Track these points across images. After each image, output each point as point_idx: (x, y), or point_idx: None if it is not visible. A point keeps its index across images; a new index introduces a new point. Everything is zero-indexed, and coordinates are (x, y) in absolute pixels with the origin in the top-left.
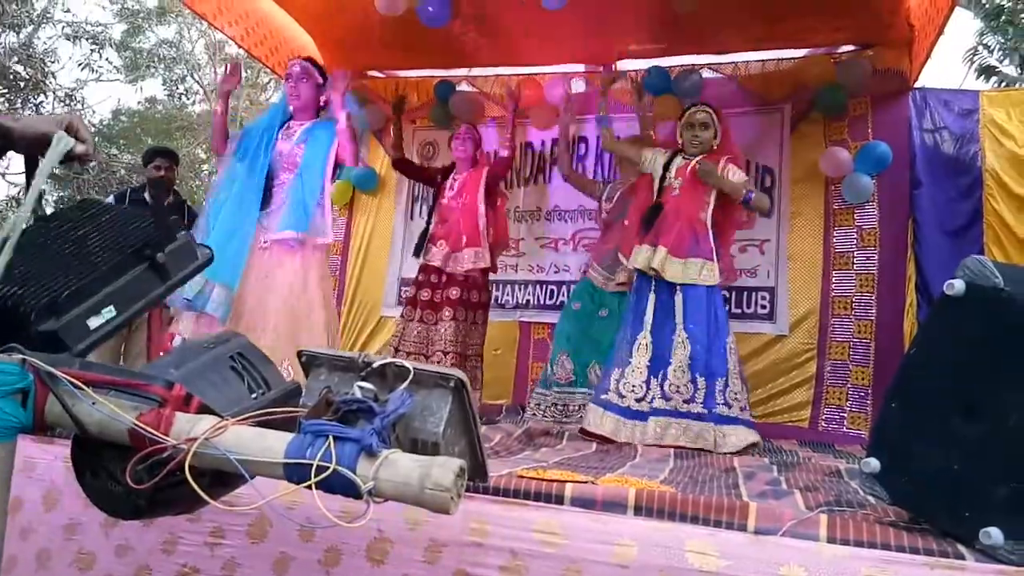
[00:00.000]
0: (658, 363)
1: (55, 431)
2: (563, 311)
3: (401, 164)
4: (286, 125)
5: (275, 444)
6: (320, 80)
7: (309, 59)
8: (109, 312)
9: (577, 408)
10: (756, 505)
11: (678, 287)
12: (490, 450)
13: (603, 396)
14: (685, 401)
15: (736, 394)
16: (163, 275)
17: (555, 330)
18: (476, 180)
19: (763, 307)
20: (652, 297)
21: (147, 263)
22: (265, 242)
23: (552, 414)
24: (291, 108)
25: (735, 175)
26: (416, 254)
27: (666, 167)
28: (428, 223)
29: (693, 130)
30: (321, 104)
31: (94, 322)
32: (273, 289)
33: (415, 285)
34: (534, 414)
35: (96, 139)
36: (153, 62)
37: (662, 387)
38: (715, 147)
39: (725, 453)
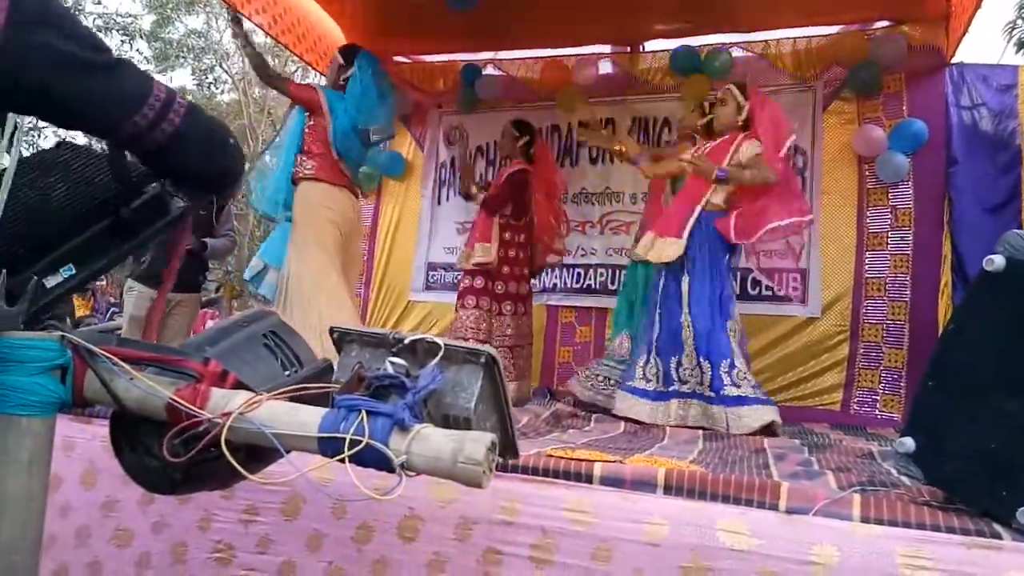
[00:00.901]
0: (674, 346)
1: (93, 407)
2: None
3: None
4: None
5: (309, 418)
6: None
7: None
8: (68, 270)
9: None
10: (788, 485)
11: (684, 272)
12: (519, 431)
13: (630, 383)
14: (699, 384)
15: (744, 374)
16: (128, 232)
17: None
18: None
19: (794, 289)
20: (662, 283)
21: (111, 218)
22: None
23: (595, 385)
24: None
25: (746, 151)
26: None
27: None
28: None
29: (712, 109)
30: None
31: (51, 281)
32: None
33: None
34: (580, 381)
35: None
36: (182, 52)
37: (678, 370)
38: (740, 123)
39: (743, 435)
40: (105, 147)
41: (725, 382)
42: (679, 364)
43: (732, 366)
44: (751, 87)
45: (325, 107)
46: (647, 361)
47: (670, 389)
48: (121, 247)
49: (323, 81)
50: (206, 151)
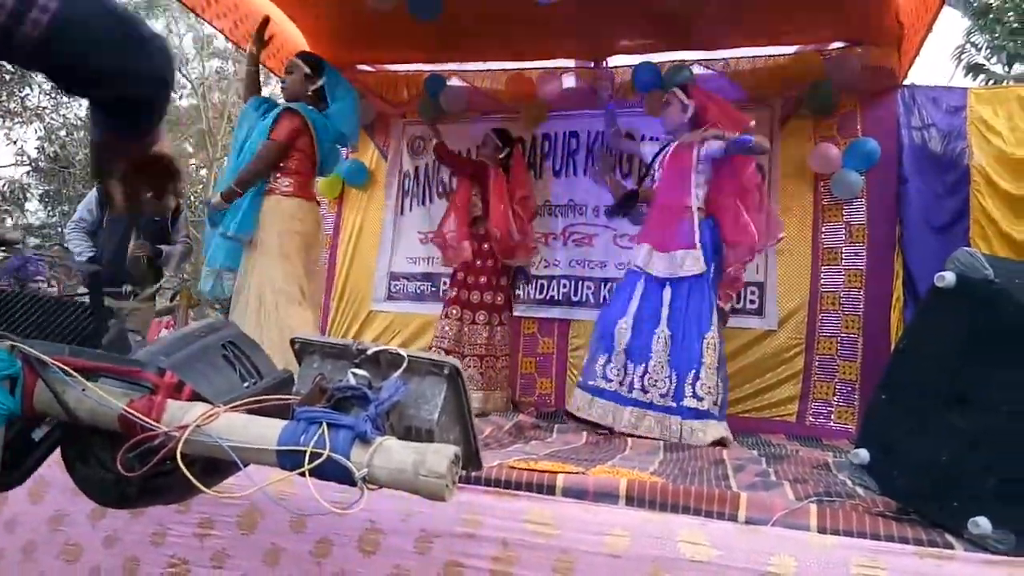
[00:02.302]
0: (639, 354)
1: (44, 419)
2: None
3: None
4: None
5: (268, 431)
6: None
7: (305, 52)
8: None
9: None
10: (747, 495)
11: (667, 282)
12: (481, 442)
13: (591, 382)
14: (661, 395)
15: (709, 389)
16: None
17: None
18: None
19: (752, 302)
20: (641, 287)
21: None
22: None
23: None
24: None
25: (711, 146)
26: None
27: (652, 162)
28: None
29: (662, 112)
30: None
31: (37, 434)
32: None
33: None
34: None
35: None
36: None
37: (642, 379)
38: (687, 121)
39: (696, 447)
40: None
41: (687, 394)
42: (644, 372)
43: (697, 378)
44: (692, 86)
45: (311, 128)
46: (608, 361)
47: (629, 395)
48: None
49: (276, 88)
50: (107, 41)
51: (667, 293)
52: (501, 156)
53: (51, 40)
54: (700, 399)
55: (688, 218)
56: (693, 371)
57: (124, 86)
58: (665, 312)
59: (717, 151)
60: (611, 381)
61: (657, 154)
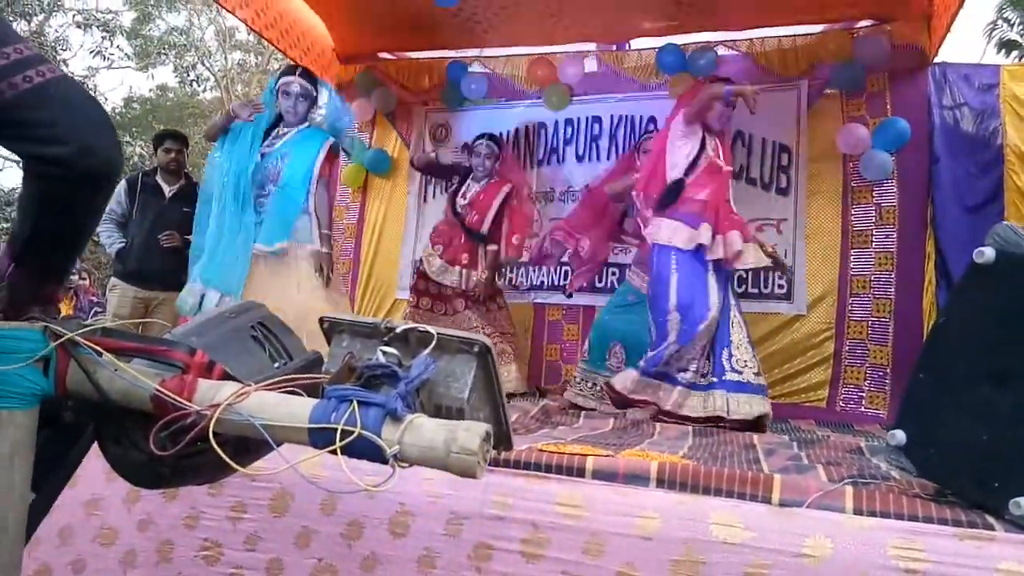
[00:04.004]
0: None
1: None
2: (607, 308)
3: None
4: (273, 133)
5: (299, 409)
6: (315, 94)
7: (306, 71)
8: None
9: None
10: (780, 478)
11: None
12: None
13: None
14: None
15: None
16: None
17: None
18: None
19: (780, 287)
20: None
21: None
22: (256, 253)
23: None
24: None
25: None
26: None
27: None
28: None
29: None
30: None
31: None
32: (267, 299)
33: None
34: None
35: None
36: (164, 49)
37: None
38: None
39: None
40: None
41: (726, 368)
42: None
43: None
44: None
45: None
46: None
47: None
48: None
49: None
50: (68, 121)
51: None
52: (497, 164)
53: (17, 106)
54: (739, 372)
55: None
56: (727, 349)
57: (76, 161)
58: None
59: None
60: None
61: (702, 150)
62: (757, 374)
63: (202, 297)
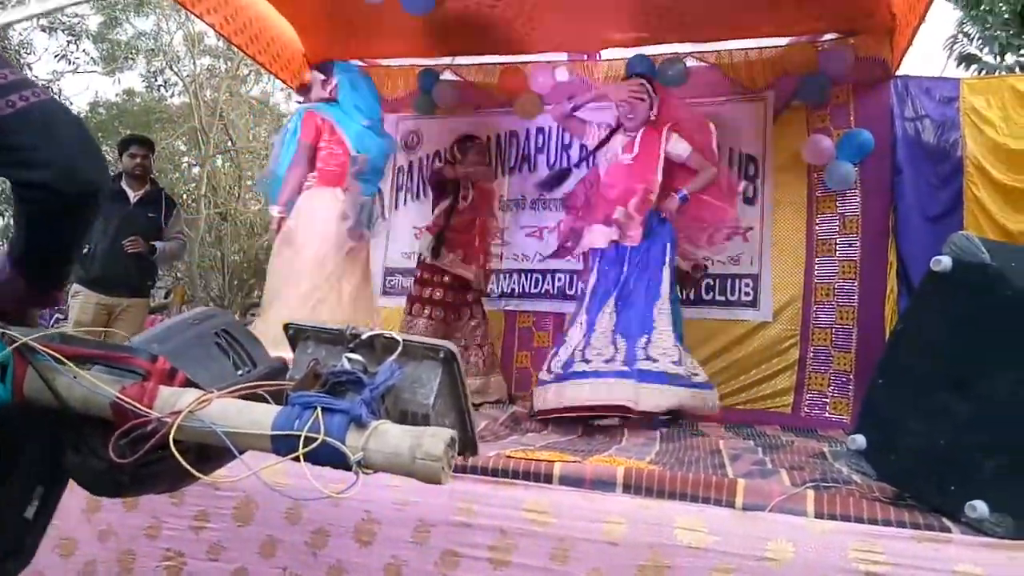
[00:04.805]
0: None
1: (34, 407)
2: None
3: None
4: None
5: (262, 416)
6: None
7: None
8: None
9: None
10: (744, 482)
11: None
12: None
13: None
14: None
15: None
16: None
17: None
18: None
19: (747, 294)
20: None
21: None
22: None
23: None
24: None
25: (677, 146)
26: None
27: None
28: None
29: (626, 105)
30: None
31: (29, 511)
32: None
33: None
34: None
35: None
36: (131, 54)
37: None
38: (653, 118)
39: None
40: None
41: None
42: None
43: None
44: (660, 85)
45: (331, 122)
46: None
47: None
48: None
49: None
50: (51, 145)
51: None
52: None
53: (4, 127)
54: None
55: (642, 200)
56: (645, 336)
57: (58, 182)
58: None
59: (680, 155)
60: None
61: (603, 143)
62: (676, 363)
63: None
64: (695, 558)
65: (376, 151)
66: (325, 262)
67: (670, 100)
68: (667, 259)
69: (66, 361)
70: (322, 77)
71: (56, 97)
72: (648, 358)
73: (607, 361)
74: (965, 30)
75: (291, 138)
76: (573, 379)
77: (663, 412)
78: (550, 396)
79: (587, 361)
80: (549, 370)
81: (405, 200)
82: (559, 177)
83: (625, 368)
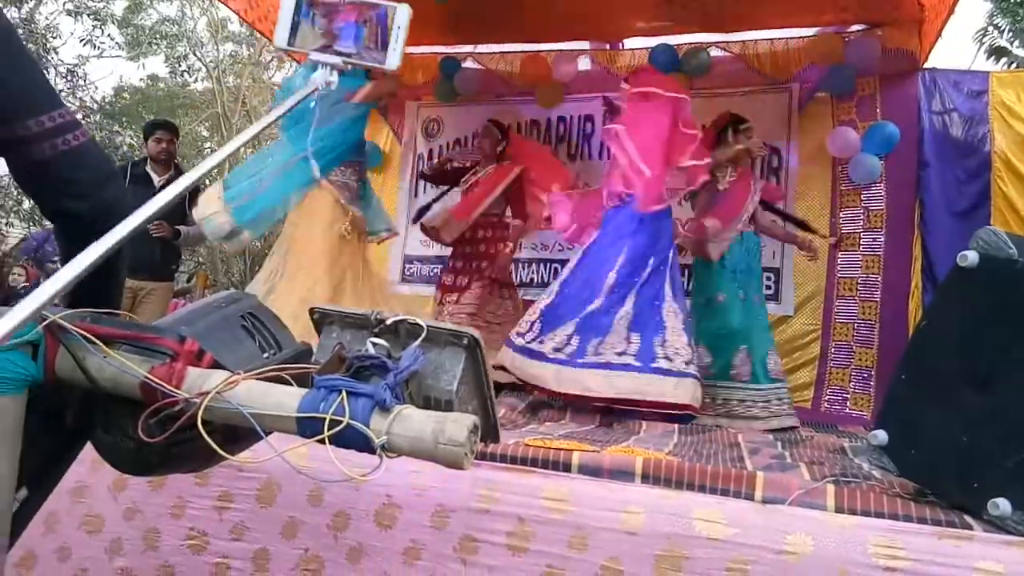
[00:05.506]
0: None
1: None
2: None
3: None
4: None
5: (288, 399)
6: None
7: None
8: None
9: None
10: (764, 475)
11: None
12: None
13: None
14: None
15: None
16: None
17: None
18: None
19: (768, 288)
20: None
21: None
22: None
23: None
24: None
25: None
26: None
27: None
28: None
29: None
30: None
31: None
32: None
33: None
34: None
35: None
36: (155, 39)
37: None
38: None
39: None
40: None
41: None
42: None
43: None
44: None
45: None
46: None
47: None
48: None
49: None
50: (92, 180)
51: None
52: (500, 149)
53: (54, 165)
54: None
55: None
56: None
57: (92, 215)
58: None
59: None
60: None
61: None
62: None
63: None
64: (713, 549)
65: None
66: (320, 256)
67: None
68: (667, 256)
69: (96, 341)
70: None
71: (93, 137)
72: (666, 356)
73: (619, 354)
74: (995, 22)
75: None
76: (584, 367)
77: (675, 407)
78: (548, 376)
79: (599, 354)
80: (541, 341)
81: (425, 188)
82: None
83: (637, 363)
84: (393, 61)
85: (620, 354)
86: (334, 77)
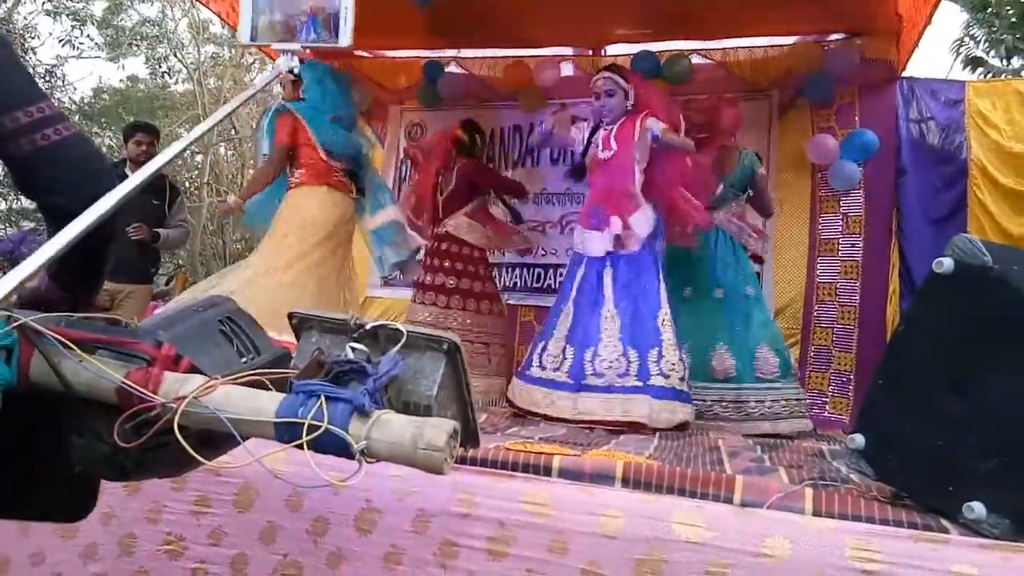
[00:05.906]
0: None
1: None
2: None
3: None
4: None
5: (266, 404)
6: None
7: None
8: None
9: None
10: (743, 478)
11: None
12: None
13: (527, 371)
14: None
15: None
16: None
17: None
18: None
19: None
20: (582, 270)
21: None
22: None
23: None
24: None
25: (654, 126)
26: None
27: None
28: None
29: (599, 100)
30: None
31: None
32: None
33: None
34: None
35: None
36: (135, 40)
37: (593, 362)
38: (629, 109)
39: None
40: None
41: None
42: (595, 355)
43: (660, 356)
44: (629, 72)
45: (302, 122)
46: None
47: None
48: None
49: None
50: (75, 176)
51: (608, 272)
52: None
53: (35, 159)
54: (666, 376)
55: (628, 200)
56: (656, 349)
57: (75, 211)
58: (608, 291)
59: (654, 131)
60: (545, 368)
61: (590, 139)
62: (683, 379)
63: None
64: (692, 553)
65: (343, 142)
66: (303, 253)
67: (645, 88)
68: (660, 263)
69: (72, 345)
70: (293, 79)
71: (80, 130)
72: (661, 373)
73: (621, 375)
74: (972, 33)
75: (264, 137)
76: (585, 391)
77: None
78: (558, 403)
79: (599, 375)
80: (542, 366)
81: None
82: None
83: (639, 383)
84: (344, 39)
85: (622, 375)
86: (295, 62)
